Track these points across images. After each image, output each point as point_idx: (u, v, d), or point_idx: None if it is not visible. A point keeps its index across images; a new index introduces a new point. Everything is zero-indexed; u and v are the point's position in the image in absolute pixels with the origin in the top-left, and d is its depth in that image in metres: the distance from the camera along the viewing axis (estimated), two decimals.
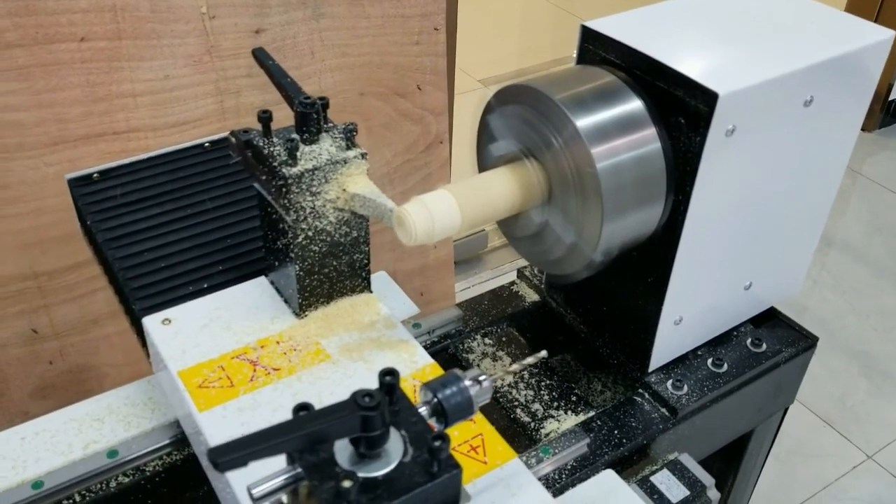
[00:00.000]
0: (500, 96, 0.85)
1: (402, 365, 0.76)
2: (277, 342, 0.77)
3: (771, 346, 0.99)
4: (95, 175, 0.96)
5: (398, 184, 1.54)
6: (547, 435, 0.96)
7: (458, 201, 0.76)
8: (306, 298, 0.79)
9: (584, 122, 0.78)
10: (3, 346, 1.26)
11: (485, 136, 0.88)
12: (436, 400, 0.57)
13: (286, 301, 0.82)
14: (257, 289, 0.84)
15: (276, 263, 0.81)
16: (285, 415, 0.53)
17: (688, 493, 0.85)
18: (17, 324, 1.26)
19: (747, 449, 1.12)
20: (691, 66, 0.78)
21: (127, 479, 0.85)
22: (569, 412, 0.99)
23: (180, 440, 0.86)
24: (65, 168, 1.17)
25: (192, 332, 0.78)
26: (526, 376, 1.03)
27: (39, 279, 1.24)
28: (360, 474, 0.52)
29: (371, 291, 0.84)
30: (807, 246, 1.02)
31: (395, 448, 0.54)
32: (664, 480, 0.86)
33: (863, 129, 1.02)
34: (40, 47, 1.10)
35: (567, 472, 0.86)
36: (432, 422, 0.57)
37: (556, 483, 0.84)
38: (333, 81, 1.36)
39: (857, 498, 1.82)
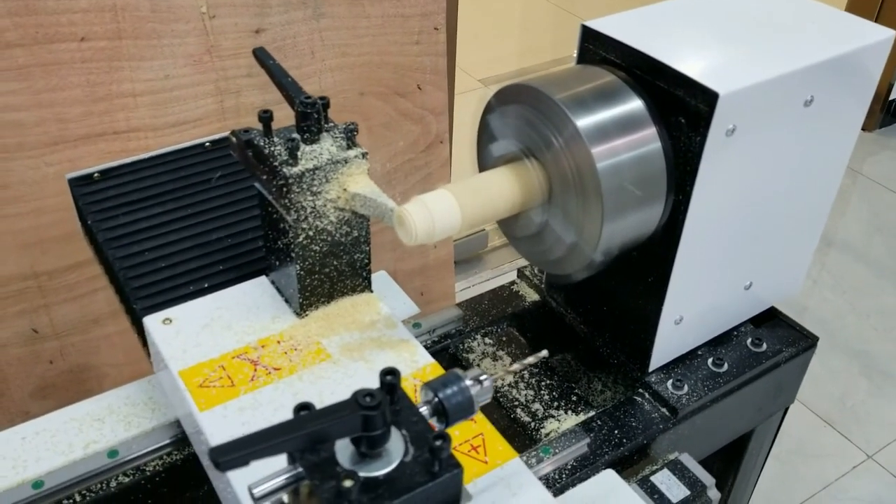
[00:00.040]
0: (500, 96, 0.85)
1: (403, 364, 0.76)
2: (278, 342, 0.77)
3: (771, 345, 0.99)
4: (96, 175, 0.96)
5: (398, 183, 1.54)
6: (547, 435, 0.96)
7: (458, 201, 0.76)
8: (307, 298, 0.79)
9: (584, 121, 0.78)
10: (3, 345, 1.26)
11: (485, 135, 0.88)
12: (437, 399, 0.57)
13: (287, 301, 0.82)
14: (258, 288, 0.84)
15: (277, 263, 0.81)
16: (286, 414, 0.53)
17: (688, 492, 0.85)
18: (17, 323, 1.26)
19: (748, 449, 1.12)
20: (692, 65, 0.78)
21: (127, 479, 0.85)
22: (569, 412, 0.99)
23: (180, 440, 0.86)
24: (65, 168, 1.17)
25: (193, 331, 0.78)
26: (526, 376, 1.03)
27: (40, 279, 1.24)
28: (361, 474, 0.52)
29: (372, 291, 0.84)
30: (807, 246, 1.02)
31: (396, 447, 0.54)
32: (664, 480, 0.86)
33: (863, 129, 1.02)
34: (40, 47, 1.10)
35: (567, 471, 0.86)
36: (433, 421, 0.57)
37: (557, 483, 0.84)
38: (333, 81, 1.36)
39: (857, 498, 1.82)
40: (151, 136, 1.23)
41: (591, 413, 0.96)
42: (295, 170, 0.72)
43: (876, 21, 0.93)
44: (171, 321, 0.79)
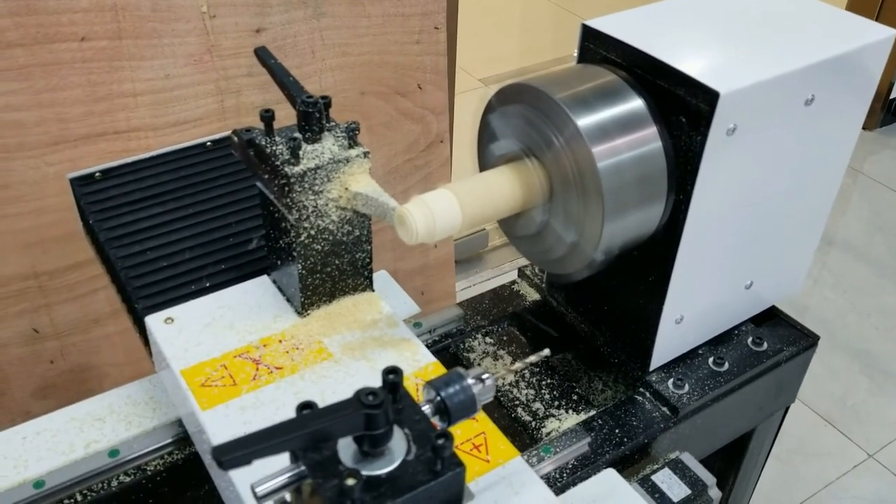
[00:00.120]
0: (500, 95, 0.85)
1: (405, 363, 0.76)
2: (280, 341, 0.78)
3: (772, 345, 0.99)
4: (97, 174, 0.96)
5: (399, 183, 1.54)
6: (548, 434, 0.96)
7: (458, 200, 0.76)
8: (309, 297, 0.79)
9: (585, 121, 0.78)
10: (4, 345, 1.26)
11: (486, 135, 0.88)
12: (439, 398, 0.57)
13: (288, 300, 0.82)
14: (260, 288, 0.84)
15: (279, 262, 0.81)
16: (288, 413, 0.53)
17: (689, 491, 0.85)
18: (18, 323, 1.26)
19: (748, 448, 1.12)
20: (692, 64, 0.79)
21: (128, 479, 0.85)
22: (570, 411, 0.99)
23: (181, 439, 0.87)
24: (65, 168, 1.17)
25: (195, 330, 0.78)
26: (527, 375, 1.03)
27: (40, 279, 1.24)
28: (364, 472, 0.52)
29: (373, 290, 0.84)
30: (808, 245, 1.02)
31: (399, 446, 0.54)
32: (665, 479, 0.86)
33: (864, 128, 1.02)
34: (41, 47, 1.10)
35: (568, 471, 0.86)
36: (435, 420, 0.57)
37: (558, 482, 0.85)
38: (334, 80, 1.36)
39: (858, 497, 1.82)
40: (152, 135, 1.23)
41: (592, 412, 0.96)
42: (297, 169, 0.72)
43: (876, 20, 0.93)
44: (172, 320, 0.80)
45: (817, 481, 1.85)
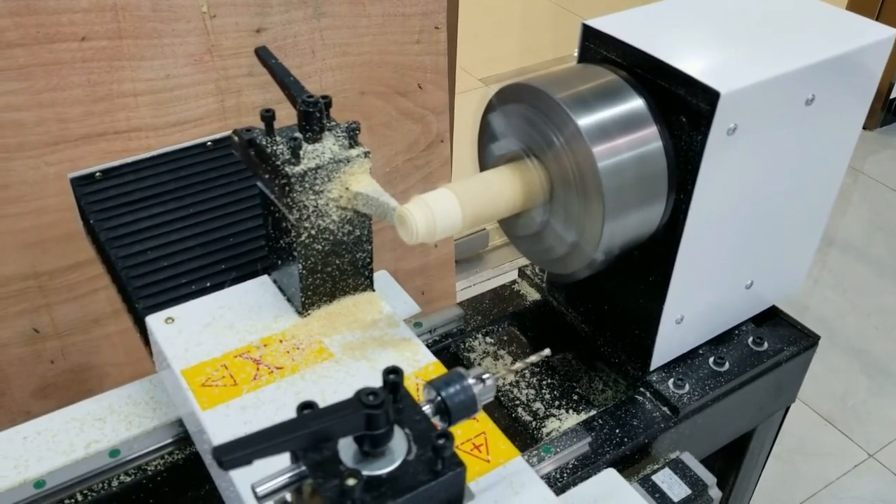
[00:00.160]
0: (501, 95, 0.85)
1: (405, 363, 0.76)
2: (280, 341, 0.78)
3: (772, 344, 0.99)
4: (98, 174, 0.96)
5: (399, 183, 1.54)
6: (548, 434, 0.96)
7: (459, 200, 0.76)
8: (309, 297, 0.79)
9: (585, 120, 0.78)
10: (4, 345, 1.26)
11: (486, 135, 0.88)
12: (439, 398, 0.57)
13: (289, 300, 0.82)
14: (260, 287, 0.84)
15: (279, 262, 0.81)
16: (288, 413, 0.53)
17: (689, 491, 0.85)
18: (18, 323, 1.26)
19: (749, 448, 1.12)
20: (693, 64, 0.79)
21: (129, 479, 0.85)
22: (570, 411, 0.99)
23: (182, 439, 0.87)
24: (66, 168, 1.17)
25: (196, 330, 0.78)
26: (527, 375, 1.03)
27: (41, 279, 1.24)
28: (365, 472, 0.51)
29: (374, 290, 0.84)
30: (808, 245, 1.02)
31: (399, 446, 0.54)
32: (666, 479, 0.86)
33: (864, 128, 1.02)
34: (41, 47, 1.10)
35: (569, 470, 0.86)
36: (436, 420, 0.57)
37: (558, 482, 0.85)
38: (334, 80, 1.36)
39: (858, 496, 1.82)
40: (153, 135, 1.23)
41: (593, 412, 0.96)
42: (297, 169, 0.72)
43: (877, 20, 0.93)
44: (173, 320, 0.79)
45: (818, 481, 1.85)
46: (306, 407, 0.53)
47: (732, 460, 1.14)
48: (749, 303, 1.00)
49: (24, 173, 1.16)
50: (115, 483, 0.84)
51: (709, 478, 0.87)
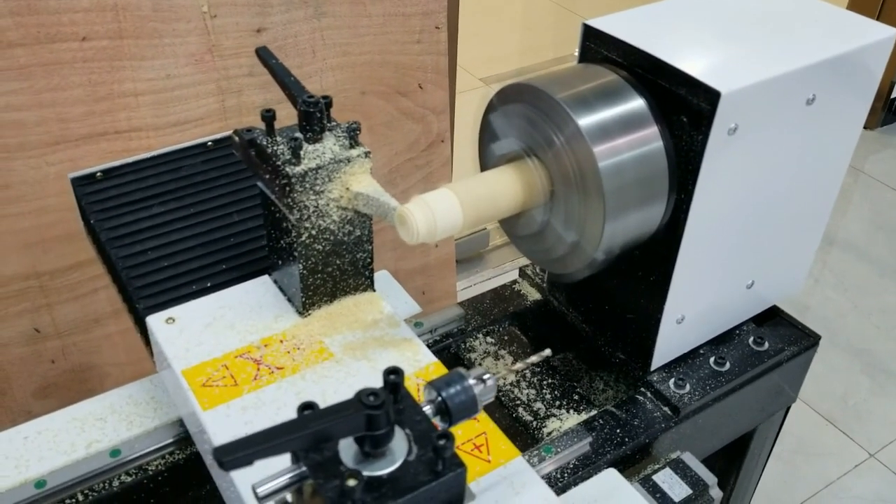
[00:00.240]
0: (501, 95, 0.85)
1: (406, 363, 0.76)
2: (281, 341, 0.78)
3: (773, 344, 0.99)
4: (99, 174, 0.96)
5: (399, 183, 1.54)
6: (549, 434, 0.96)
7: (459, 200, 0.76)
8: (310, 297, 0.79)
9: (586, 120, 0.78)
10: (5, 345, 1.27)
11: (487, 134, 0.88)
12: (440, 398, 0.57)
13: (289, 300, 0.82)
14: (261, 288, 0.84)
15: (280, 262, 0.81)
16: (289, 414, 0.53)
17: (690, 491, 0.85)
18: (19, 323, 1.26)
19: (749, 447, 1.12)
20: (693, 64, 0.78)
21: (129, 479, 0.85)
22: (571, 411, 0.99)
23: (183, 439, 0.87)
24: (66, 167, 1.17)
25: (196, 330, 0.78)
26: (528, 375, 1.03)
27: (41, 278, 1.24)
28: (365, 473, 0.52)
29: (374, 290, 0.84)
30: (809, 244, 1.02)
31: (400, 447, 0.54)
32: (666, 479, 0.86)
33: (865, 128, 1.02)
34: (42, 46, 1.10)
35: (569, 470, 0.86)
36: (436, 420, 0.57)
37: (559, 482, 0.84)
38: (335, 80, 1.36)
39: (859, 496, 1.82)
40: (153, 135, 1.23)
41: (593, 412, 0.96)
42: (298, 169, 0.72)
43: (877, 19, 0.93)
44: (174, 320, 0.80)
45: (818, 481, 1.85)
46: (307, 407, 0.53)
47: (733, 460, 1.14)
48: (750, 303, 1.00)
49: (25, 173, 1.16)
50: (115, 483, 0.84)
51: (709, 478, 0.87)
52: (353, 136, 0.74)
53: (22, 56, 1.09)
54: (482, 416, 0.70)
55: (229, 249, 0.88)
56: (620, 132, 0.79)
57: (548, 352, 0.70)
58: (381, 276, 0.94)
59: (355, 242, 0.79)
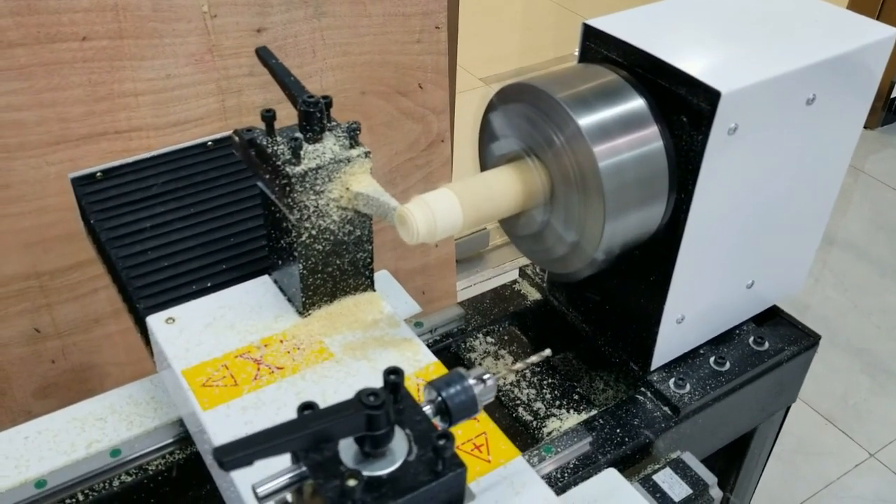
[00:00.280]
0: (501, 95, 0.85)
1: (406, 363, 0.76)
2: (281, 341, 0.78)
3: (773, 344, 0.99)
4: (99, 174, 0.96)
5: (400, 182, 1.54)
6: (549, 434, 0.96)
7: (459, 200, 0.76)
8: (310, 297, 0.79)
9: (586, 120, 0.78)
10: (5, 345, 1.27)
11: (487, 134, 0.88)
12: (440, 399, 0.57)
13: (290, 300, 0.82)
14: (261, 288, 0.84)
15: (280, 262, 0.81)
16: (289, 414, 0.53)
17: (690, 491, 0.85)
18: (19, 323, 1.26)
19: (750, 447, 1.12)
20: (693, 64, 0.78)
21: (130, 479, 0.85)
22: (571, 411, 0.99)
23: (183, 439, 0.87)
24: (66, 167, 1.17)
25: (196, 330, 0.78)
26: (528, 375, 1.03)
27: (42, 278, 1.24)
28: (365, 473, 0.52)
29: (374, 290, 0.84)
30: (809, 244, 1.02)
31: (400, 447, 0.54)
32: (666, 479, 0.86)
33: (865, 127, 1.02)
34: (42, 46, 1.10)
35: (569, 470, 0.86)
36: (437, 420, 0.57)
37: (559, 482, 0.85)
38: (335, 80, 1.36)
39: (859, 496, 1.82)
40: (153, 135, 1.23)
41: (593, 412, 0.96)
42: (298, 169, 0.72)
43: (877, 19, 0.93)
44: (174, 320, 0.80)
45: (818, 481, 1.85)
46: (307, 407, 0.53)
47: (733, 460, 1.14)
48: (750, 302, 1.00)
49: (25, 173, 1.16)
50: (115, 483, 0.85)
51: (710, 477, 0.87)
52: (353, 136, 0.74)
53: (22, 56, 1.09)
54: (482, 416, 0.70)
55: (229, 249, 0.88)
56: (620, 132, 0.79)
57: (548, 352, 0.70)
58: (381, 276, 0.94)
59: (355, 242, 0.79)
